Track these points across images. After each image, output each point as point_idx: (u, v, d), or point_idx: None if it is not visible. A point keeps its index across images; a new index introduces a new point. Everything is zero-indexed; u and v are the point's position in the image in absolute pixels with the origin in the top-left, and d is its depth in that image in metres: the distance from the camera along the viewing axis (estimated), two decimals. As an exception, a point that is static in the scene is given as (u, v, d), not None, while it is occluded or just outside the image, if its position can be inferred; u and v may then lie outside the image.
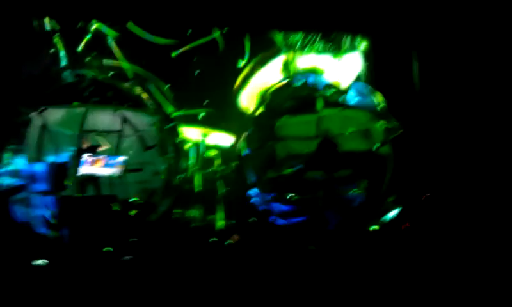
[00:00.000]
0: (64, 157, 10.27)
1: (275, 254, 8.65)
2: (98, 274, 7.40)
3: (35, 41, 10.54)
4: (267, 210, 10.68)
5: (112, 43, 11.43)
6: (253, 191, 10.86)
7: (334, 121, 11.67)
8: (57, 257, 8.22)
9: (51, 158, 10.38)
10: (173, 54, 11.63)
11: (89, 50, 11.12)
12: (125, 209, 9.63)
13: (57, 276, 7.35)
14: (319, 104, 11.22)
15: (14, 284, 6.77)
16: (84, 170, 9.38)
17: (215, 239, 9.82)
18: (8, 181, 9.21)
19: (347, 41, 12.61)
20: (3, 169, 9.24)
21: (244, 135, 11.33)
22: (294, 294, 6.27)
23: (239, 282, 6.77)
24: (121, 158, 9.74)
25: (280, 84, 12.20)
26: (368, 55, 12.12)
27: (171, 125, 11.17)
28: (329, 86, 11.65)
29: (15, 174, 9.22)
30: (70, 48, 10.94)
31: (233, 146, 11.41)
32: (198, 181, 11.02)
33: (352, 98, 11.41)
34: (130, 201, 10.26)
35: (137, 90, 10.83)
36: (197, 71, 11.94)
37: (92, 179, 9.72)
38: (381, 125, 10.95)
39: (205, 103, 11.89)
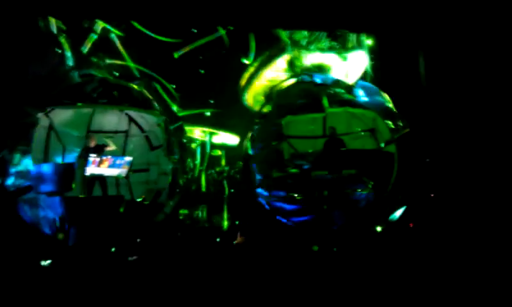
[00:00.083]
0: (71, 157, 10.31)
1: (281, 253, 8.65)
2: (105, 274, 7.43)
3: (41, 42, 10.59)
4: (273, 209, 10.67)
5: (117, 43, 11.49)
6: (259, 190, 10.86)
7: (340, 120, 11.67)
8: (64, 257, 8.26)
9: (58, 159, 10.43)
10: (176, 55, 11.65)
11: (95, 50, 11.19)
12: (132, 209, 9.65)
13: (64, 276, 7.39)
14: (325, 103, 11.17)
15: (21, 283, 6.82)
16: (90, 170, 9.39)
17: (221, 239, 9.86)
18: (15, 181, 9.24)
19: (352, 39, 12.59)
20: (11, 170, 9.28)
21: (249, 134, 11.33)
22: (300, 293, 6.27)
23: (245, 281, 6.78)
24: (128, 159, 9.73)
25: (286, 82, 12.20)
26: (373, 54, 12.10)
27: (177, 124, 11.19)
28: (335, 85, 11.62)
29: (22, 174, 9.25)
30: (76, 48, 10.99)
31: (239, 145, 11.43)
32: (204, 181, 11.06)
33: (358, 97, 11.37)
34: (136, 201, 10.31)
35: (143, 90, 10.84)
36: (202, 71, 11.97)
37: (98, 179, 9.73)
38: (386, 124, 10.90)
39: (210, 102, 11.96)
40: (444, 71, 10.44)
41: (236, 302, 6.06)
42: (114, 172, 9.66)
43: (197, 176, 11.07)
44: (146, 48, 11.60)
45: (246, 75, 12.29)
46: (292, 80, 12.15)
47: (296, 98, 11.54)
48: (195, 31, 11.93)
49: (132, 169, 9.98)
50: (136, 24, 11.49)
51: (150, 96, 10.83)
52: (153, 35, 11.56)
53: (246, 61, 12.31)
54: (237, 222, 10.53)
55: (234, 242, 9.22)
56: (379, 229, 9.79)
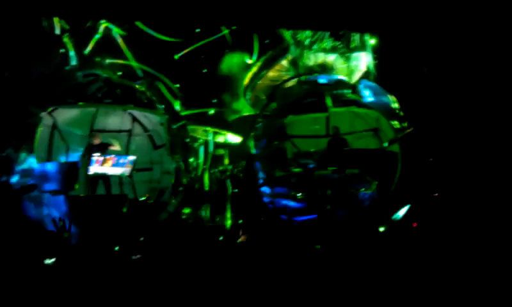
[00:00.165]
0: (74, 156, 10.33)
1: (285, 252, 8.64)
2: (108, 273, 7.43)
3: (45, 42, 10.61)
4: (277, 208, 10.67)
5: (121, 43, 11.51)
6: (262, 190, 10.86)
7: (343, 119, 11.67)
8: (67, 256, 8.27)
9: (61, 158, 10.45)
10: (176, 56, 11.67)
11: (98, 49, 11.21)
12: (135, 208, 9.66)
13: (67, 275, 7.39)
14: (328, 102, 11.17)
15: (25, 282, 6.83)
16: (94, 169, 9.40)
17: (224, 238, 9.85)
18: (20, 180, 9.26)
19: (356, 39, 12.59)
20: (15, 168, 9.30)
21: (253, 133, 11.33)
22: (303, 292, 6.26)
23: (249, 280, 6.77)
24: (131, 158, 9.75)
25: (289, 82, 12.21)
26: (377, 54, 12.09)
27: (180, 124, 11.20)
28: (338, 84, 11.62)
29: (26, 173, 9.27)
30: (80, 48, 11.02)
31: (242, 144, 11.42)
32: (207, 180, 11.05)
33: (361, 96, 11.36)
34: (139, 200, 10.32)
35: (147, 89, 10.86)
36: (205, 70, 11.97)
37: (102, 178, 9.75)
38: (390, 123, 10.89)
39: (213, 102, 11.96)
40: (448, 70, 10.42)
41: (239, 301, 6.05)
42: (117, 171, 9.67)
43: (200, 175, 11.07)
44: (150, 48, 11.62)
45: (249, 75, 12.30)
46: (295, 80, 12.16)
47: (299, 98, 11.55)
48: (198, 30, 11.94)
49: (136, 168, 10.00)
50: (139, 24, 11.51)
51: (153, 95, 10.86)
52: (156, 35, 11.57)
53: (249, 61, 12.33)
54: (240, 221, 10.52)
55: (238, 241, 9.23)
56: (382, 228, 9.77)
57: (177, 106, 11.56)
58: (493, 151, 9.62)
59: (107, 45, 11.35)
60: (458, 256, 7.57)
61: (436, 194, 9.80)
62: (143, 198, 10.27)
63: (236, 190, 10.90)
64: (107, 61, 11.21)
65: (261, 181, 10.88)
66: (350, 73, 12.46)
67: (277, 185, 10.97)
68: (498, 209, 8.79)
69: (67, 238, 8.81)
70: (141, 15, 11.26)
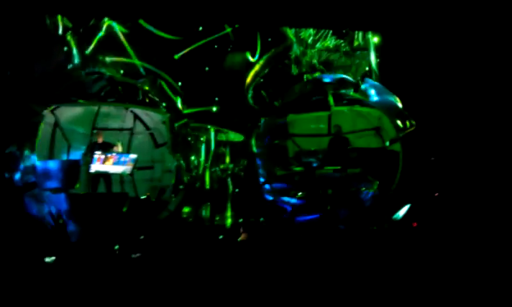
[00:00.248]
0: (76, 154, 10.36)
1: (285, 251, 8.64)
2: (108, 271, 7.46)
3: (47, 40, 10.65)
4: (278, 207, 10.66)
5: (123, 41, 11.52)
6: (263, 188, 10.85)
7: (345, 118, 11.64)
8: (68, 253, 8.31)
9: (63, 156, 10.48)
10: (176, 56, 11.67)
11: (100, 47, 11.23)
12: (136, 207, 9.68)
13: (68, 272, 7.43)
14: (331, 101, 11.13)
15: (26, 279, 6.87)
16: (95, 167, 9.43)
17: (224, 236, 9.87)
18: (22, 177, 9.30)
19: (358, 37, 12.55)
20: (17, 166, 9.34)
21: (254, 132, 11.32)
22: (303, 291, 6.26)
23: (249, 278, 6.77)
24: (133, 156, 9.76)
25: (291, 80, 12.18)
26: (379, 53, 12.04)
27: (181, 122, 11.20)
28: (340, 83, 11.57)
29: (28, 171, 9.31)
30: (82, 46, 11.04)
31: (244, 143, 11.42)
32: (208, 178, 11.06)
33: (363, 95, 11.31)
34: (140, 198, 10.33)
35: (149, 88, 10.86)
36: (207, 68, 11.96)
37: (103, 176, 9.78)
38: (392, 122, 10.83)
39: (215, 100, 11.96)
40: (450, 70, 10.37)
41: (239, 300, 6.06)
42: (118, 169, 9.69)
43: (201, 173, 11.08)
44: (152, 46, 11.63)
45: (252, 73, 12.28)
46: (298, 78, 12.14)
47: (301, 96, 11.52)
48: (201, 28, 11.94)
49: (137, 166, 10.01)
50: (142, 22, 11.52)
51: (155, 94, 10.87)
52: (158, 33, 11.58)
53: (252, 59, 12.31)
54: (240, 220, 10.53)
55: (238, 239, 9.24)
56: (382, 228, 9.76)
57: (179, 104, 11.57)
58: (494, 152, 9.58)
59: (110, 43, 11.36)
60: (458, 256, 7.55)
61: (437, 194, 9.77)
62: (143, 196, 10.28)
63: (237, 187, 10.95)
64: (110, 59, 11.23)
65: (262, 180, 10.88)
66: (353, 71, 12.42)
67: (278, 183, 10.96)
68: (498, 209, 8.76)
69: (67, 236, 8.88)
70: (144, 13, 11.30)
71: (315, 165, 10.55)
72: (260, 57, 12.27)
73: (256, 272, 7.09)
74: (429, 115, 10.55)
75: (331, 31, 12.46)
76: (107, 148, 9.77)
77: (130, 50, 11.55)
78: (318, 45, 12.50)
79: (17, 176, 9.36)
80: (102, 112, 10.81)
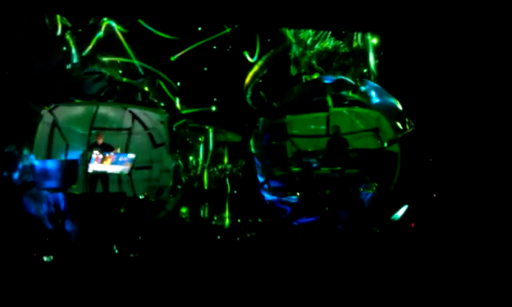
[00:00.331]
0: (74, 154, 10.34)
1: (284, 251, 8.65)
2: (106, 271, 7.46)
3: (46, 39, 10.65)
4: (276, 208, 10.66)
5: (122, 41, 11.52)
6: (261, 189, 10.85)
7: (344, 119, 11.64)
8: (66, 253, 8.31)
9: (61, 156, 10.46)
10: (172, 58, 11.66)
11: (99, 47, 11.22)
12: (134, 207, 9.67)
13: (65, 272, 7.43)
14: (329, 102, 11.14)
15: (22, 278, 6.87)
16: (93, 167, 9.42)
17: (222, 237, 9.87)
18: (20, 176, 9.29)
19: (357, 39, 12.55)
20: (15, 165, 9.33)
21: (253, 132, 11.32)
22: (301, 292, 6.26)
23: (247, 279, 6.78)
24: (131, 156, 9.75)
25: (290, 81, 12.18)
26: (378, 54, 12.05)
27: (180, 122, 11.19)
28: (338, 84, 11.58)
29: (26, 170, 9.30)
30: (81, 45, 11.04)
31: (242, 143, 11.41)
32: (206, 179, 11.06)
33: (363, 96, 11.32)
34: (138, 198, 10.33)
35: (147, 88, 10.86)
36: (206, 69, 11.95)
37: (101, 176, 9.76)
38: (391, 124, 10.84)
39: (214, 100, 11.95)
40: (448, 71, 10.38)
41: (237, 300, 6.06)
42: (116, 169, 9.69)
43: (199, 173, 11.07)
44: (151, 46, 11.62)
45: (251, 74, 12.27)
46: (296, 79, 12.14)
47: (299, 97, 11.52)
48: (200, 28, 11.93)
49: (135, 166, 10.00)
50: (141, 22, 11.51)
51: (154, 94, 10.87)
52: (157, 33, 11.57)
53: (251, 59, 12.30)
54: (239, 220, 10.55)
55: (238, 238, 9.28)
56: (380, 228, 9.77)
57: (178, 104, 11.56)
58: (491, 153, 9.59)
59: (109, 43, 11.35)
60: (456, 256, 7.56)
61: (435, 195, 9.78)
62: (141, 196, 10.27)
63: (236, 188, 10.95)
64: (109, 58, 11.22)
65: (261, 180, 10.88)
66: (351, 73, 12.41)
67: (276, 184, 10.97)
68: (496, 210, 8.78)
69: (65, 236, 8.87)
70: (143, 12, 11.29)
71: (312, 166, 10.56)
72: (259, 57, 12.26)
73: (254, 273, 7.10)
74: (427, 116, 10.55)
75: (330, 32, 12.46)
76: (106, 149, 9.77)
77: (129, 50, 11.53)
78: (317, 46, 12.49)
79: (16, 175, 9.34)
80: (100, 112, 10.80)
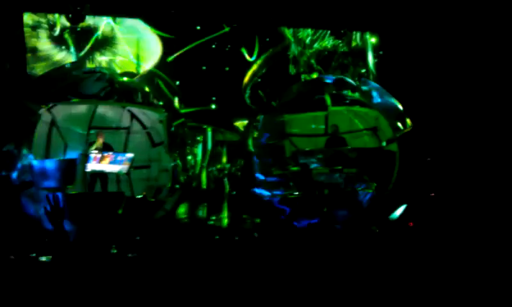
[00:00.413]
0: (72, 153, 10.32)
1: (282, 252, 8.63)
2: (104, 271, 7.45)
3: (45, 38, 10.65)
4: (274, 207, 10.64)
5: (121, 40, 11.51)
6: (260, 189, 10.83)
7: (343, 118, 11.63)
8: (64, 253, 8.28)
9: (60, 155, 10.45)
10: (169, 59, 11.65)
11: (98, 46, 11.22)
12: (132, 206, 9.66)
13: (63, 272, 7.41)
14: (328, 101, 11.13)
15: (20, 278, 6.86)
16: (91, 167, 9.40)
17: (221, 237, 9.86)
18: (18, 176, 9.28)
19: (356, 38, 12.55)
20: (13, 165, 9.32)
21: (252, 131, 11.31)
22: (300, 292, 6.25)
23: (246, 279, 6.77)
24: (129, 155, 9.73)
25: (289, 80, 12.18)
26: (376, 53, 12.05)
27: (179, 121, 11.18)
28: (337, 83, 11.56)
29: (24, 170, 9.28)
30: (79, 44, 11.04)
31: (241, 142, 11.41)
32: (204, 178, 11.05)
33: (362, 96, 11.31)
34: (137, 198, 10.31)
35: (146, 87, 10.85)
36: (204, 68, 11.95)
37: (99, 176, 9.75)
38: (390, 123, 10.83)
39: (213, 99, 11.95)
40: (446, 70, 10.37)
41: (235, 301, 6.05)
42: (115, 168, 9.66)
43: (198, 173, 11.06)
44: (150, 45, 11.62)
45: (249, 73, 12.28)
46: (295, 78, 12.14)
47: (298, 96, 11.51)
48: (199, 27, 11.93)
49: (133, 165, 9.98)
50: (140, 21, 11.52)
51: (153, 93, 10.86)
52: (156, 32, 11.57)
53: (250, 59, 12.30)
54: (238, 220, 10.55)
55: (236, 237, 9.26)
56: (379, 228, 9.75)
57: (176, 103, 11.55)
58: (490, 152, 9.58)
59: (108, 42, 11.35)
60: (454, 255, 7.54)
61: (433, 194, 9.77)
62: (140, 196, 10.26)
63: (234, 187, 10.94)
64: (108, 57, 11.22)
65: (259, 180, 10.87)
66: (350, 72, 12.42)
67: (275, 184, 10.95)
68: (494, 209, 8.76)
69: (63, 236, 8.85)
70: (143, 11, 11.30)
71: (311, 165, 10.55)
72: (258, 57, 12.26)
73: (253, 273, 7.08)
74: (425, 115, 10.55)
75: (329, 31, 12.45)
76: (105, 149, 9.76)
77: (128, 49, 11.53)
78: (316, 45, 12.49)
79: (14, 175, 9.33)
80: (98, 112, 10.78)
